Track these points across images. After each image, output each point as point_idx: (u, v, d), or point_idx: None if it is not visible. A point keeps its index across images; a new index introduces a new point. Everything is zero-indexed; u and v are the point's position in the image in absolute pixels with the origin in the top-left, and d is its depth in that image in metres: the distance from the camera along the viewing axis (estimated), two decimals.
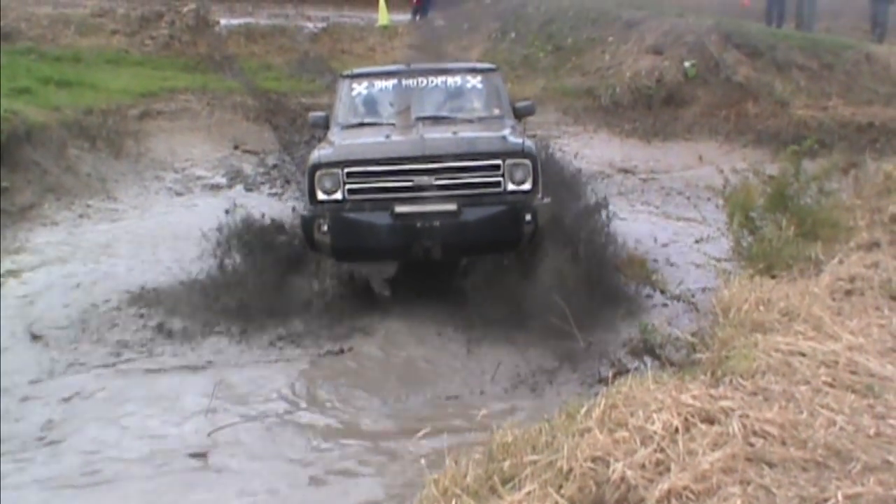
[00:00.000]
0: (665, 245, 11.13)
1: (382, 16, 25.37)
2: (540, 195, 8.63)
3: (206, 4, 23.32)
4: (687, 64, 18.23)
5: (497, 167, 8.54)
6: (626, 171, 15.66)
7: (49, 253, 10.75)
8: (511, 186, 8.55)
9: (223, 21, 23.42)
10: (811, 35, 20.95)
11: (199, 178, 14.50)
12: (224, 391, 7.45)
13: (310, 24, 24.79)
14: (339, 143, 9.14)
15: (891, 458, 3.81)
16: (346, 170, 8.55)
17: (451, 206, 8.42)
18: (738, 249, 8.46)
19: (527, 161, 8.60)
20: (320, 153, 8.81)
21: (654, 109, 17.88)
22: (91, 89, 16.32)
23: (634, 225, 11.71)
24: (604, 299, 8.69)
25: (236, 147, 15.91)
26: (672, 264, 10.40)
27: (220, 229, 9.43)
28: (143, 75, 18.43)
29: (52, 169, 12.92)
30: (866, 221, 7.66)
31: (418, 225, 8.39)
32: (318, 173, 8.58)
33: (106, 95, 16.08)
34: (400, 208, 8.42)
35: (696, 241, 9.79)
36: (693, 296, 8.98)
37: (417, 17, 27.64)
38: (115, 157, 14.35)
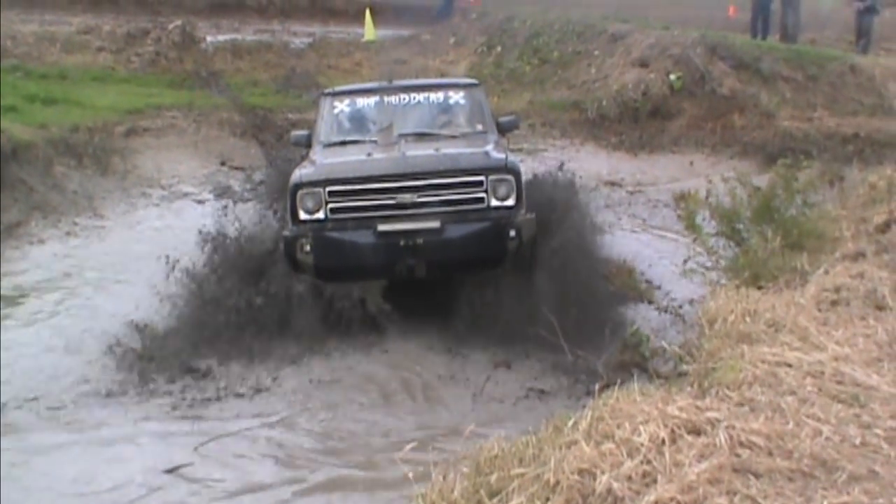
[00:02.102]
0: (651, 257, 11.16)
1: (369, 31, 25.38)
2: (524, 211, 8.59)
3: (192, 21, 23.29)
4: (673, 76, 18.28)
5: (480, 183, 8.50)
6: (613, 183, 15.69)
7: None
8: (494, 202, 8.50)
9: (209, 38, 23.38)
10: (796, 47, 21.04)
11: (186, 194, 14.48)
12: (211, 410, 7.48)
13: (296, 40, 24.76)
14: (321, 161, 9.09)
15: (876, 468, 3.81)
16: (328, 189, 8.50)
17: (435, 224, 8.37)
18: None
19: (510, 177, 8.55)
20: (301, 172, 8.76)
21: (640, 122, 17.90)
22: (77, 107, 16.28)
23: (621, 238, 11.75)
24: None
25: (223, 163, 15.88)
26: (659, 276, 10.43)
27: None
28: (130, 92, 18.39)
29: (39, 187, 12.91)
30: (852, 232, 7.67)
31: (401, 243, 8.33)
32: (299, 193, 8.52)
33: (92, 113, 16.05)
34: (383, 226, 8.37)
35: (684, 260, 9.78)
36: (680, 307, 9.00)
37: (444, 14, 27.61)
38: (102, 174, 14.32)
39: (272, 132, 16.97)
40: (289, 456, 6.82)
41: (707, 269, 8.57)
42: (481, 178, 8.51)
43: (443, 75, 19.22)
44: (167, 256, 9.24)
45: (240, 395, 7.91)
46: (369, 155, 8.98)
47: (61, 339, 8.92)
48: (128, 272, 10.67)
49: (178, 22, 22.36)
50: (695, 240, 8.68)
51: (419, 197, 8.41)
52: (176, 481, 6.44)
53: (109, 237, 12.33)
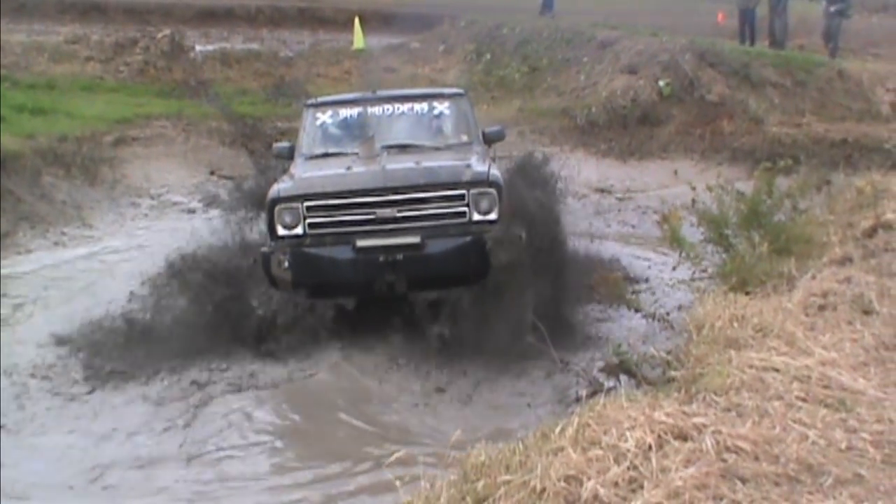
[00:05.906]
0: (640, 264, 11.19)
1: (358, 39, 25.37)
2: (507, 225, 8.36)
3: (181, 30, 23.31)
4: (661, 83, 18.30)
5: (461, 197, 8.38)
6: (602, 190, 15.73)
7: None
8: (476, 217, 8.38)
9: (198, 47, 23.39)
10: (784, 52, 21.12)
11: (175, 203, 14.46)
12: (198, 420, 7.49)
13: (285, 49, 24.79)
14: (300, 175, 8.98)
15: (862, 472, 3.82)
16: (306, 203, 8.40)
17: (415, 239, 8.26)
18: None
19: (492, 190, 8.42)
20: (279, 187, 8.66)
21: (629, 128, 17.88)
22: (65, 116, 16.27)
23: (610, 244, 11.77)
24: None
25: (212, 172, 15.86)
26: (648, 282, 10.44)
27: None
28: (118, 102, 18.35)
29: (27, 197, 12.88)
30: (839, 237, 7.68)
31: (381, 259, 8.23)
32: (277, 208, 8.43)
33: (80, 122, 16.03)
34: (362, 242, 8.27)
35: (674, 268, 9.77)
36: (668, 314, 8.99)
37: (547, 13, 27.58)
38: (91, 184, 14.30)
39: (262, 141, 16.93)
40: (276, 460, 6.83)
41: (694, 279, 8.58)
42: (462, 191, 8.38)
43: (432, 83, 19.22)
44: None
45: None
46: (349, 168, 8.82)
47: None
48: None
49: (167, 31, 22.35)
50: (681, 254, 8.65)
51: (399, 211, 8.31)
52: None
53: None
